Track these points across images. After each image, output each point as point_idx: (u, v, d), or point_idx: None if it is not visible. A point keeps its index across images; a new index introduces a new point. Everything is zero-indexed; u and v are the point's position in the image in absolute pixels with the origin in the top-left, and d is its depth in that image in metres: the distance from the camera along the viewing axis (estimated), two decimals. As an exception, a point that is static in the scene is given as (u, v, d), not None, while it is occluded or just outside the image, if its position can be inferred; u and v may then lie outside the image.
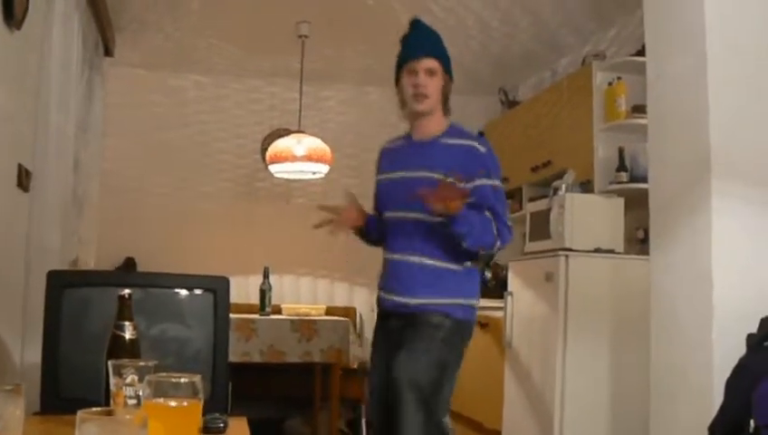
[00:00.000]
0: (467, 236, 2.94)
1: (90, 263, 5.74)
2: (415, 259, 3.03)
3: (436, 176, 2.92)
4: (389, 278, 3.13)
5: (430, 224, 2.99)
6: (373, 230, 3.26)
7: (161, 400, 1.29)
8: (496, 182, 3.10)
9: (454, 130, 3.13)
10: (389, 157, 3.23)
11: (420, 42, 3.13)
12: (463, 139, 3.09)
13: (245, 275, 6.84)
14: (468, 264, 3.09)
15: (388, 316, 3.14)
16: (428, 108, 3.09)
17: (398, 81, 3.16)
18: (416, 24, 3.21)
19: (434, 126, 3.13)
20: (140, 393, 1.46)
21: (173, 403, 1.29)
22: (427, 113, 3.11)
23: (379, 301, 3.20)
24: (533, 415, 4.75)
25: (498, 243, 3.02)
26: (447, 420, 3.08)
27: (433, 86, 3.07)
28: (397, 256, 3.09)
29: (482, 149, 3.08)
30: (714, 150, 3.15)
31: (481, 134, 3.27)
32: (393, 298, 3.08)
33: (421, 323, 2.99)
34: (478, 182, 3.00)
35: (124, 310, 1.79)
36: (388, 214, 3.14)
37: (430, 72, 3.06)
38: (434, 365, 2.96)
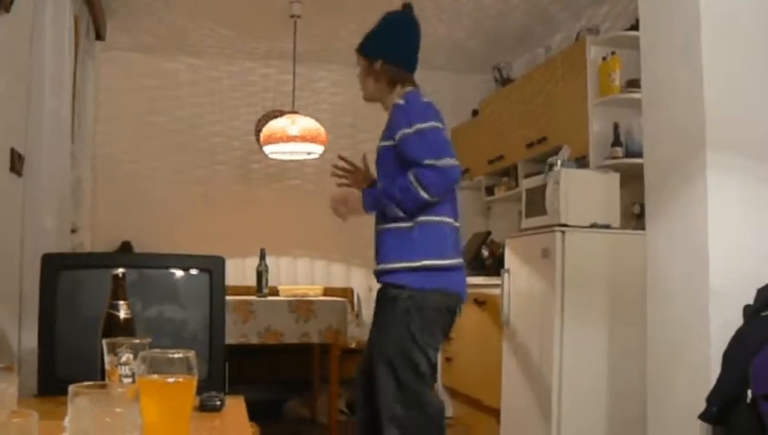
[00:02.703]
0: (373, 206, 3.30)
1: (86, 246, 5.73)
2: (379, 227, 3.32)
3: (382, 144, 3.31)
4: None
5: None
6: None
7: (155, 376, 1.29)
8: (417, 126, 3.16)
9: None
10: None
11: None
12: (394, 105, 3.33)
13: (242, 258, 6.85)
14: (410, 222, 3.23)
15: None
16: (369, 99, 3.50)
17: None
18: None
19: (389, 105, 3.38)
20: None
21: (167, 379, 1.29)
22: (377, 101, 3.46)
23: None
24: (532, 392, 4.76)
25: (419, 193, 3.12)
26: (432, 394, 3.18)
27: (362, 79, 3.46)
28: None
29: (402, 102, 3.27)
30: (708, 124, 3.14)
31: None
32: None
33: (384, 297, 3.23)
34: (399, 135, 3.19)
35: (118, 289, 1.78)
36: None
37: (363, 72, 3.44)
38: (398, 337, 3.11)
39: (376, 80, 3.39)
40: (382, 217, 3.26)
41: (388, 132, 3.26)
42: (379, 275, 3.27)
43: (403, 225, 3.19)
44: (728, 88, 3.20)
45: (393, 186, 3.15)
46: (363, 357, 3.35)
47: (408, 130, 3.15)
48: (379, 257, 3.27)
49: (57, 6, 4.09)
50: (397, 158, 3.20)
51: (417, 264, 3.14)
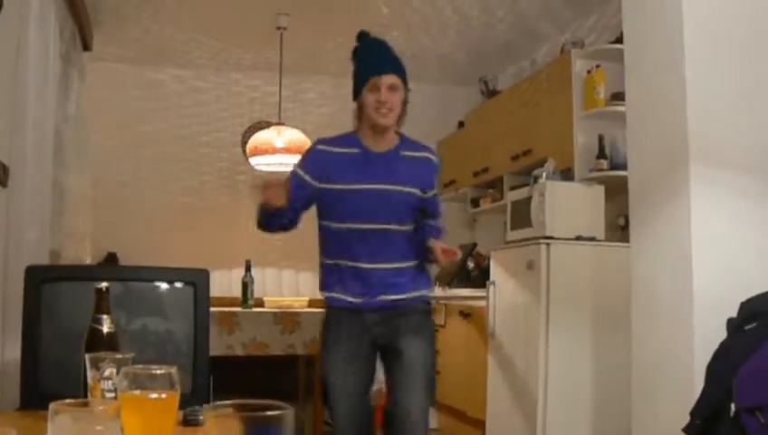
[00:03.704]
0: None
1: (85, 258, 5.73)
2: (392, 266, 3.21)
3: (407, 189, 3.20)
4: (361, 284, 3.21)
5: (404, 234, 3.24)
6: (284, 217, 3.24)
7: (137, 392, 1.28)
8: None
9: (408, 142, 3.32)
10: (344, 165, 3.23)
11: (381, 58, 3.23)
12: (419, 151, 3.32)
13: (228, 269, 6.85)
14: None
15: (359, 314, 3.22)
16: (392, 122, 3.20)
17: (356, 95, 3.25)
18: (370, 39, 3.33)
19: (390, 138, 3.27)
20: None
21: (149, 395, 1.28)
22: (390, 128, 3.23)
23: (343, 302, 3.25)
24: (517, 404, 4.76)
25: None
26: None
27: (395, 101, 3.16)
28: (372, 265, 3.20)
29: (435, 160, 3.36)
30: (691, 137, 3.16)
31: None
32: (372, 299, 3.20)
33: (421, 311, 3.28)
34: (432, 193, 3.31)
35: (102, 303, 1.78)
36: (354, 224, 3.19)
37: (393, 88, 3.15)
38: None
39: (403, 108, 3.22)
40: (399, 257, 3.24)
41: (415, 180, 3.24)
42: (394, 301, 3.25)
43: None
44: (712, 101, 3.22)
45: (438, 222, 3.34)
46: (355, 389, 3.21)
47: (437, 191, 3.38)
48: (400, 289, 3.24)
49: (42, 17, 4.08)
50: (413, 207, 3.24)
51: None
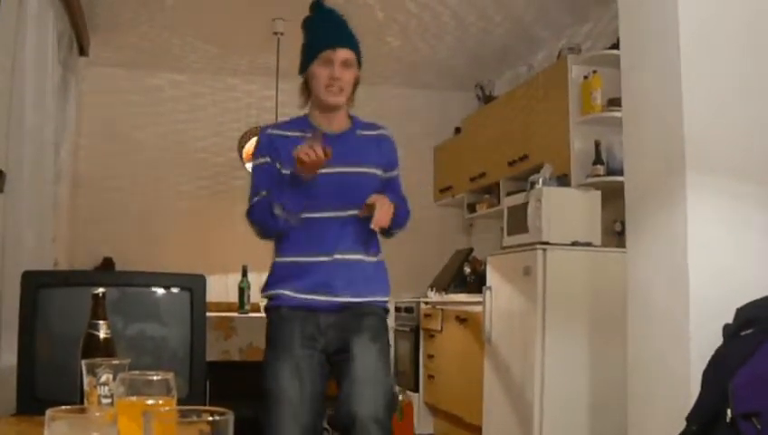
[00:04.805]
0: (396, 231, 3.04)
1: (65, 264, 5.71)
2: (357, 257, 2.93)
3: (370, 171, 2.94)
4: (326, 278, 2.89)
5: (362, 221, 2.89)
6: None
7: (134, 398, 1.29)
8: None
9: (359, 122, 3.07)
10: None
11: (336, 30, 2.99)
12: (373, 130, 3.07)
13: (225, 274, 6.84)
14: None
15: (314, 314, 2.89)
16: (343, 101, 2.95)
17: (304, 68, 2.99)
18: (324, 9, 3.07)
19: (342, 118, 3.02)
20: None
21: (146, 401, 1.28)
22: (341, 107, 2.99)
23: (298, 300, 2.90)
24: (513, 409, 4.76)
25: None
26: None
27: (348, 79, 2.93)
28: (337, 256, 2.90)
29: (391, 137, 3.11)
30: (688, 143, 3.16)
31: None
32: (333, 298, 2.88)
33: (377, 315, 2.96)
34: (395, 172, 3.09)
35: (98, 309, 1.78)
36: (314, 214, 2.89)
37: (347, 64, 2.91)
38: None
39: (355, 87, 2.99)
40: (364, 248, 2.94)
41: (378, 159, 2.99)
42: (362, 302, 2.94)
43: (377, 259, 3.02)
44: (708, 107, 3.22)
45: (402, 203, 3.02)
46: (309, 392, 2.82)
47: (397, 171, 3.11)
48: (368, 289, 2.95)
49: (39, 22, 4.09)
50: (373, 188, 2.93)
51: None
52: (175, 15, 6.03)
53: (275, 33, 6.18)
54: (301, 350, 2.81)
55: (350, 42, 2.96)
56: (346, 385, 2.76)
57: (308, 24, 3.05)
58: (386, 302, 3.01)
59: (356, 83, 2.99)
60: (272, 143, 2.94)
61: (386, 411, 2.76)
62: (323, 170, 2.77)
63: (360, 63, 2.99)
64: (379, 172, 2.98)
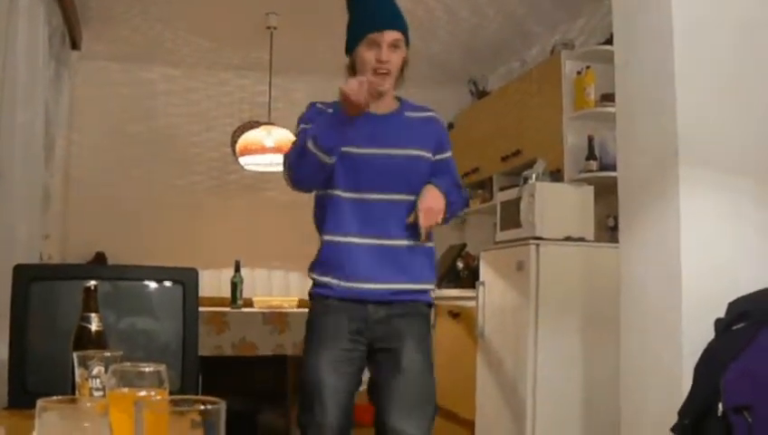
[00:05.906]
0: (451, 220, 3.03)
1: (57, 258, 5.70)
2: (406, 243, 2.84)
3: (419, 153, 2.84)
4: (374, 262, 2.80)
5: (411, 205, 2.82)
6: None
7: (126, 389, 1.28)
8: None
9: (408, 104, 2.99)
10: (344, 127, 2.70)
11: (385, 12, 2.85)
12: (421, 111, 2.98)
13: (217, 269, 6.83)
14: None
15: (363, 305, 2.80)
16: (389, 86, 2.85)
17: (350, 49, 2.88)
18: None
19: (389, 99, 2.93)
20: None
21: (138, 393, 1.28)
22: (388, 91, 2.88)
23: (347, 290, 2.80)
24: (507, 404, 4.77)
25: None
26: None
27: (395, 62, 2.81)
28: (385, 241, 2.81)
29: (441, 119, 3.04)
30: (681, 138, 3.16)
31: None
32: (381, 286, 2.80)
33: (419, 313, 2.88)
34: (447, 154, 2.97)
35: (90, 301, 1.77)
36: (366, 194, 2.80)
37: (394, 46, 2.79)
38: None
39: (402, 70, 2.87)
40: (412, 233, 2.83)
41: (426, 142, 2.89)
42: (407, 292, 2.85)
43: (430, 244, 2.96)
44: (701, 102, 3.22)
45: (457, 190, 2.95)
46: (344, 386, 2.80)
47: (450, 153, 3.00)
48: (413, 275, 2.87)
49: (31, 16, 4.07)
50: (425, 174, 2.86)
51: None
52: (168, 9, 6.01)
53: (268, 28, 6.16)
54: (346, 343, 2.78)
55: (398, 21, 2.84)
56: (393, 397, 2.72)
57: (353, 1, 2.91)
58: (431, 290, 2.94)
59: (404, 64, 2.87)
60: (319, 114, 2.85)
61: (429, 431, 2.73)
62: (370, 150, 2.76)
63: (407, 42, 2.87)
64: (428, 154, 2.87)
